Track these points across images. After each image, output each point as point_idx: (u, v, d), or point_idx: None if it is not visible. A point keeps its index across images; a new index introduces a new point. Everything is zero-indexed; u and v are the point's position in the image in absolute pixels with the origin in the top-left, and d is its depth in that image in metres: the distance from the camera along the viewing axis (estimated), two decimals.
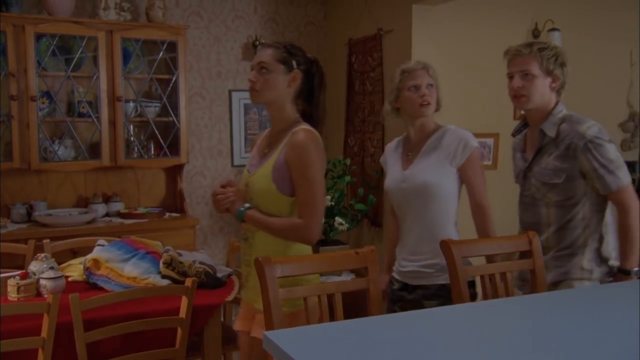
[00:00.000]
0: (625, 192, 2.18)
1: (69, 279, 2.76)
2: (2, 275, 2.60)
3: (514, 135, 2.47)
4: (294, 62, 2.05)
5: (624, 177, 2.19)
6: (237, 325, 2.17)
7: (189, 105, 4.28)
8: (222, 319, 2.85)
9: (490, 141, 4.21)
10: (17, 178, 3.90)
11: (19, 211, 3.79)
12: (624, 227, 2.20)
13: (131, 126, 4.13)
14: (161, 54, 4.09)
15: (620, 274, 2.22)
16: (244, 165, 4.68)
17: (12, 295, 2.52)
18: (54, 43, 3.78)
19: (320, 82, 2.11)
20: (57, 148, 3.87)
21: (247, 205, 2.05)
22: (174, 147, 4.19)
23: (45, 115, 3.84)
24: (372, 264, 1.97)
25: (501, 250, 2.18)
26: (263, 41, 2.03)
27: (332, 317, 1.84)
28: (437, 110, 2.38)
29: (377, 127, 4.18)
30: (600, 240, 2.28)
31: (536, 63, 2.23)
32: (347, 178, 4.13)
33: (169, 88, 4.13)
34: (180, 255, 2.81)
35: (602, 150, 2.15)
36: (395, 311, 2.33)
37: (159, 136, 4.14)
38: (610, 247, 2.29)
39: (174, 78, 4.11)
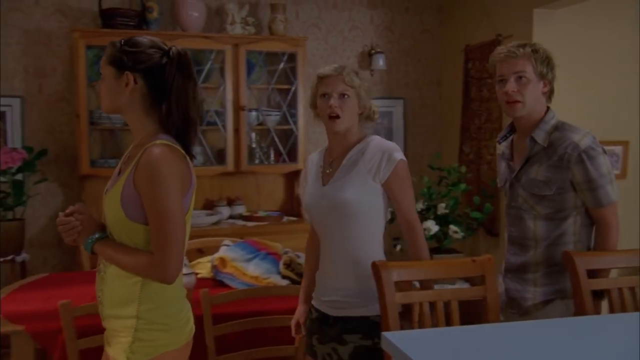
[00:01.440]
0: (612, 209, 2.06)
1: (198, 276, 2.99)
2: None
3: (499, 142, 2.29)
4: (125, 62, 1.66)
5: (613, 194, 2.06)
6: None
7: (306, 113, 4.45)
8: None
9: (618, 149, 3.99)
10: None
11: None
12: (603, 245, 2.07)
13: (253, 134, 4.38)
14: (282, 64, 4.29)
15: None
16: None
17: None
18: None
19: (174, 79, 1.67)
20: None
21: (96, 235, 1.71)
22: (292, 154, 4.38)
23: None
24: (490, 272, 1.98)
25: (627, 263, 2.10)
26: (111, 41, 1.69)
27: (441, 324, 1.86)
28: (368, 121, 2.11)
29: (494, 134, 4.11)
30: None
31: (530, 65, 2.07)
32: (462, 186, 4.09)
33: (289, 97, 4.33)
34: (298, 257, 2.95)
35: (596, 163, 2.02)
36: (312, 345, 2.14)
37: (279, 143, 4.35)
38: None
39: (293, 88, 4.30)
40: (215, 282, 2.94)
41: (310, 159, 2.24)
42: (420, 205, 4.02)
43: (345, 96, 2.01)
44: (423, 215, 4.03)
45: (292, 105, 4.35)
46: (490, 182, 4.11)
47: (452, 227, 3.98)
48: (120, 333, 1.69)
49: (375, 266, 1.88)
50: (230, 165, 4.19)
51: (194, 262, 3.16)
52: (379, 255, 2.05)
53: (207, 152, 4.24)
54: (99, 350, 2.27)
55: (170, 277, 1.63)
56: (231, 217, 4.33)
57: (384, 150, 2.02)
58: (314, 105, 2.10)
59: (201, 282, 2.91)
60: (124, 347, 1.68)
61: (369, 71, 4.74)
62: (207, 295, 2.39)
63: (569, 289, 2.06)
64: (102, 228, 1.74)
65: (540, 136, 2.09)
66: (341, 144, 2.08)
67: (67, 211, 1.73)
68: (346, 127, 2.03)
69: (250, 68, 4.29)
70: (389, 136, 4.86)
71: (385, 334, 1.49)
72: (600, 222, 2.08)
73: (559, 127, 2.10)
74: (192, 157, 1.73)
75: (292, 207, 4.59)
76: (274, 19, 4.28)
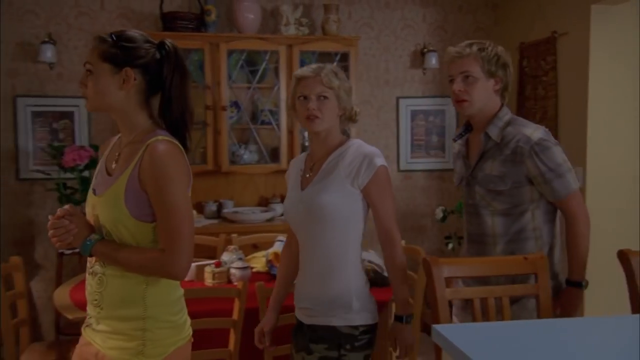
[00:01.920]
0: (574, 198, 2.06)
1: (253, 270, 3.09)
2: (199, 263, 3.01)
3: (455, 140, 2.30)
4: (123, 58, 1.63)
5: (573, 182, 2.06)
6: None
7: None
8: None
9: None
10: (209, 179, 4.40)
11: (210, 208, 4.28)
12: (573, 237, 2.08)
13: (306, 133, 4.46)
14: (334, 64, 4.36)
15: (570, 287, 2.10)
16: (410, 170, 4.83)
17: (208, 280, 2.89)
18: (242, 58, 4.23)
19: (173, 74, 1.67)
20: (243, 152, 4.32)
21: (94, 237, 1.65)
22: None
23: (234, 123, 4.30)
24: (542, 270, 1.98)
25: None
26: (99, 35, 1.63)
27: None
28: (349, 122, 2.06)
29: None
30: (551, 253, 2.13)
31: (477, 64, 2.07)
32: None
33: None
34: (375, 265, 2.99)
35: (549, 154, 2.02)
36: (291, 353, 2.10)
37: None
38: (556, 260, 2.16)
39: None
40: (270, 275, 3.03)
41: (292, 163, 2.19)
42: None
43: (324, 98, 1.96)
44: None
45: None
46: None
47: None
48: (126, 336, 1.64)
49: (425, 262, 1.92)
50: (283, 164, 4.28)
51: (249, 257, 3.27)
52: (354, 262, 2.00)
53: (261, 150, 4.35)
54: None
55: (181, 272, 1.61)
56: (283, 214, 4.42)
57: (365, 155, 1.97)
58: (292, 108, 2.05)
59: (256, 275, 3.02)
60: (133, 352, 1.63)
61: (421, 70, 4.75)
62: (262, 287, 2.48)
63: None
64: (93, 229, 1.68)
65: (493, 132, 2.10)
66: (322, 148, 2.03)
67: (59, 214, 1.65)
68: (325, 127, 1.98)
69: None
70: (441, 135, 4.86)
71: (435, 326, 1.53)
72: (566, 214, 2.08)
73: (512, 122, 2.11)
74: (187, 151, 1.71)
75: None
76: (327, 19, 4.35)
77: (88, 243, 1.64)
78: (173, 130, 1.68)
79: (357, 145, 2.01)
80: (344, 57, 4.35)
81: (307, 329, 2.03)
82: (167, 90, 1.66)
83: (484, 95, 2.10)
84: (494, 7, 4.84)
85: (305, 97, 1.98)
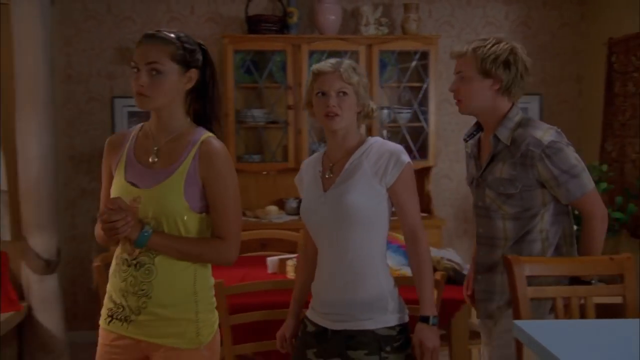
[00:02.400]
0: (590, 197, 1.99)
1: None
2: (281, 257, 3.14)
3: (466, 140, 2.22)
4: (189, 60, 1.75)
5: (588, 182, 1.99)
6: None
7: (437, 111, 4.49)
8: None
9: None
10: (290, 176, 4.47)
11: (291, 205, 4.42)
12: (588, 236, 2.03)
13: (385, 131, 4.50)
14: (414, 63, 4.38)
15: (579, 284, 1.99)
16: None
17: (290, 273, 3.01)
18: (323, 58, 4.31)
19: (213, 74, 1.82)
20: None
21: (148, 228, 1.70)
22: (423, 151, 4.44)
23: (314, 122, 4.40)
24: (629, 271, 1.95)
25: None
26: (151, 31, 1.68)
27: None
28: (366, 120, 2.03)
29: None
30: (556, 253, 2.07)
31: (472, 64, 2.01)
32: (603, 185, 3.92)
33: (420, 95, 4.40)
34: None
35: (562, 156, 1.95)
36: (308, 359, 2.00)
37: (410, 140, 4.44)
38: None
39: (425, 86, 4.37)
40: None
41: (305, 164, 2.13)
42: None
43: (344, 94, 1.91)
44: None
45: (423, 102, 4.42)
46: (635, 181, 3.91)
47: None
48: (181, 321, 1.74)
49: (507, 260, 1.93)
50: None
51: None
52: (383, 263, 1.97)
53: None
54: (247, 325, 2.53)
55: (234, 257, 1.79)
56: None
57: (391, 152, 1.92)
58: (309, 104, 2.00)
59: None
60: (190, 336, 1.74)
61: None
62: None
63: None
64: (142, 221, 1.72)
65: (503, 134, 2.03)
66: (341, 147, 1.97)
67: (112, 207, 1.66)
68: (345, 125, 1.93)
69: (382, 67, 4.42)
70: None
71: (517, 322, 1.56)
72: (583, 214, 2.03)
73: (523, 123, 2.04)
74: None
75: (422, 203, 4.64)
76: (407, 18, 4.38)
77: (146, 234, 1.69)
78: (209, 128, 1.82)
79: (380, 142, 1.98)
80: (424, 56, 4.36)
81: (335, 334, 1.94)
82: (210, 91, 1.81)
83: (481, 95, 2.04)
84: (581, 2, 4.68)
85: (324, 94, 1.91)
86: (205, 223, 1.79)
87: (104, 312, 1.84)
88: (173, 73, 1.71)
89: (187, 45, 1.75)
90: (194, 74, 1.75)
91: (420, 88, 4.41)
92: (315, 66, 1.97)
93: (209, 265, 1.84)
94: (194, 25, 4.45)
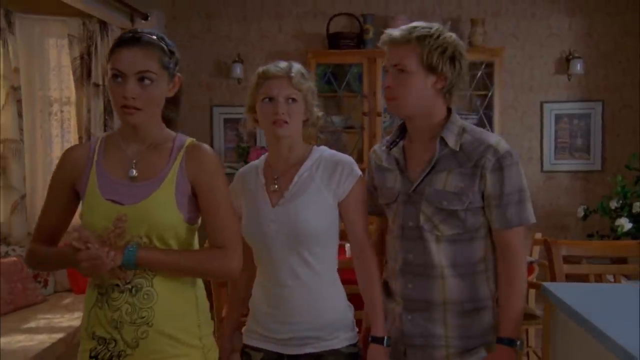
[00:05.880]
0: (520, 233, 1.72)
1: None
2: None
3: (390, 147, 1.84)
4: (173, 67, 1.59)
5: (530, 214, 1.72)
6: None
7: (502, 117, 4.86)
8: None
9: None
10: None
11: None
12: (511, 281, 1.70)
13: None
14: (480, 73, 4.77)
15: (502, 345, 1.70)
16: (554, 171, 5.05)
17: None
18: None
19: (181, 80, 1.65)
20: None
21: (132, 244, 1.51)
22: None
23: (387, 127, 4.88)
24: None
25: None
26: (129, 33, 1.52)
27: None
28: (311, 128, 1.85)
29: None
30: (496, 287, 1.77)
31: (415, 56, 1.69)
32: None
33: (485, 102, 4.79)
34: None
35: (515, 172, 1.70)
36: None
37: None
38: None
39: (490, 93, 4.75)
40: None
41: (240, 175, 1.90)
42: (614, 204, 4.22)
43: (293, 101, 1.75)
44: (617, 213, 4.22)
45: (489, 109, 4.80)
46: None
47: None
48: (186, 350, 1.57)
49: (546, 242, 2.34)
50: None
51: None
52: (338, 281, 1.84)
53: None
54: None
55: (238, 268, 1.59)
56: None
57: (344, 164, 1.78)
58: (252, 110, 1.82)
59: None
60: None
61: (566, 75, 4.98)
62: None
63: (490, 332, 1.74)
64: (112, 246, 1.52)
65: (450, 138, 1.73)
66: (286, 157, 1.81)
67: (80, 244, 1.44)
68: (292, 133, 1.77)
69: None
70: (586, 137, 5.03)
71: (545, 284, 1.91)
72: (504, 249, 1.72)
73: (467, 129, 1.76)
74: None
75: None
76: (474, 32, 4.77)
77: (131, 250, 1.48)
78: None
79: (329, 153, 1.83)
80: (489, 66, 4.74)
81: (293, 359, 1.79)
82: (180, 96, 1.65)
83: (422, 94, 1.72)
84: None
85: (272, 99, 1.74)
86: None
87: (82, 356, 1.59)
88: (163, 81, 1.55)
89: (170, 48, 1.58)
90: (178, 79, 1.61)
91: (485, 96, 4.79)
92: (263, 69, 1.79)
93: (202, 283, 1.67)
94: (282, 42, 5.04)
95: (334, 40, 4.80)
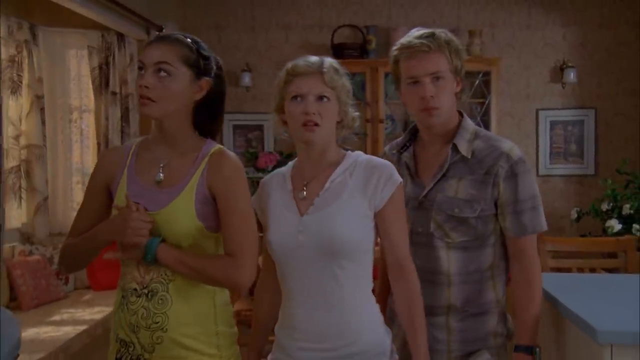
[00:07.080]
0: (534, 239, 1.71)
1: None
2: None
3: (400, 152, 1.82)
4: (202, 67, 1.55)
5: (543, 221, 1.71)
6: None
7: (499, 124, 5.08)
8: None
9: None
10: None
11: None
12: (528, 289, 1.69)
13: None
14: (477, 81, 5.00)
15: (520, 352, 1.69)
16: (548, 176, 5.27)
17: None
18: None
19: (224, 90, 1.63)
20: None
21: (158, 237, 1.50)
22: None
23: (389, 133, 5.11)
24: (630, 249, 2.57)
25: None
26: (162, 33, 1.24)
27: None
28: (346, 131, 1.67)
29: None
30: (503, 293, 1.77)
31: (446, 61, 1.68)
32: None
33: (483, 109, 5.02)
34: None
35: (529, 179, 1.69)
36: None
37: None
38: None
39: (487, 101, 4.98)
40: None
41: (266, 183, 1.71)
42: (605, 206, 4.44)
43: (325, 99, 1.57)
44: (608, 215, 4.44)
45: (486, 116, 5.02)
46: None
47: (636, 226, 4.31)
48: (199, 358, 1.54)
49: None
50: None
51: None
52: (374, 303, 1.63)
53: None
54: None
55: (248, 280, 1.52)
56: None
57: (382, 168, 1.60)
58: (280, 109, 1.64)
59: None
60: None
61: (561, 84, 5.20)
62: None
63: (491, 337, 1.74)
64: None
65: (462, 145, 1.71)
66: (318, 162, 1.62)
67: (134, 207, 1.50)
68: (324, 137, 1.59)
69: None
70: (579, 143, 5.25)
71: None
72: (520, 256, 1.70)
73: (479, 134, 1.75)
74: None
75: None
76: (471, 42, 5.00)
77: (154, 243, 1.48)
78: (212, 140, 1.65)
79: (366, 158, 1.64)
80: (486, 75, 4.97)
81: None
82: (220, 105, 1.61)
83: (453, 100, 1.73)
84: (635, 23, 5.13)
85: (302, 98, 1.56)
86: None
87: (110, 357, 1.61)
88: (184, 78, 1.51)
89: (202, 51, 1.56)
90: (205, 83, 1.55)
91: (483, 103, 5.02)
92: (292, 64, 1.61)
93: (227, 291, 1.61)
94: (288, 52, 5.28)
95: (338, 51, 5.04)
